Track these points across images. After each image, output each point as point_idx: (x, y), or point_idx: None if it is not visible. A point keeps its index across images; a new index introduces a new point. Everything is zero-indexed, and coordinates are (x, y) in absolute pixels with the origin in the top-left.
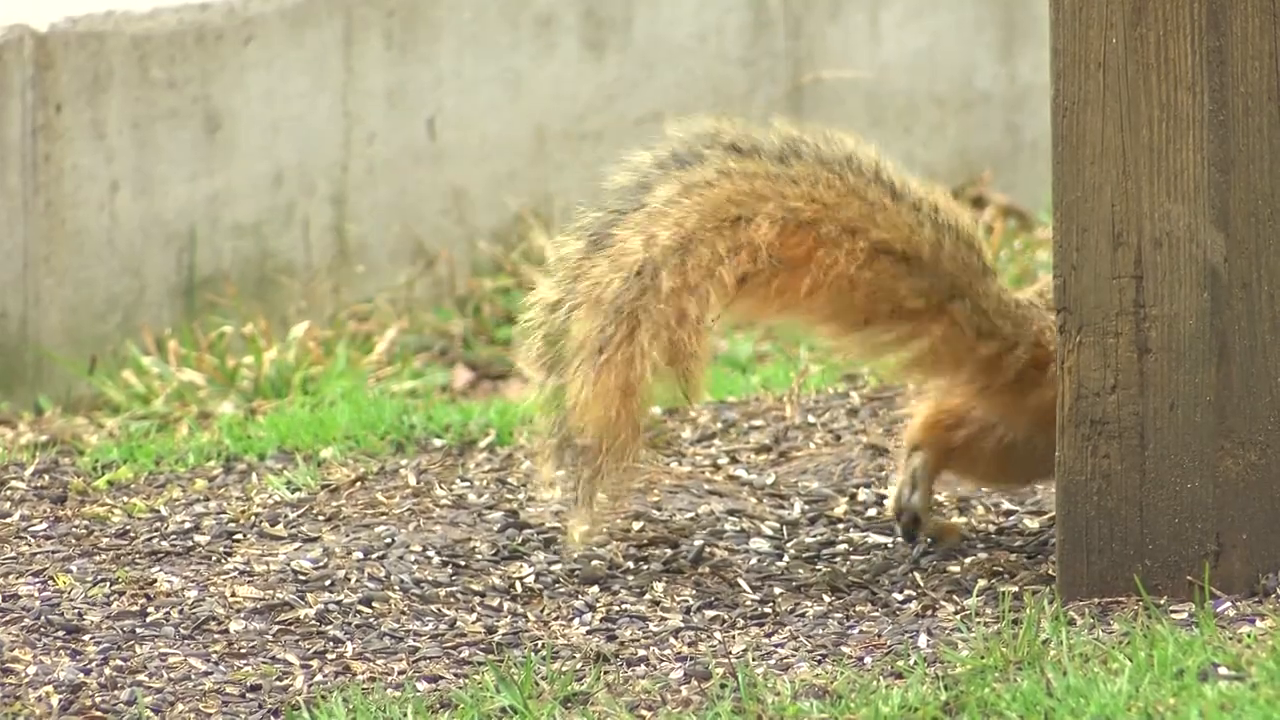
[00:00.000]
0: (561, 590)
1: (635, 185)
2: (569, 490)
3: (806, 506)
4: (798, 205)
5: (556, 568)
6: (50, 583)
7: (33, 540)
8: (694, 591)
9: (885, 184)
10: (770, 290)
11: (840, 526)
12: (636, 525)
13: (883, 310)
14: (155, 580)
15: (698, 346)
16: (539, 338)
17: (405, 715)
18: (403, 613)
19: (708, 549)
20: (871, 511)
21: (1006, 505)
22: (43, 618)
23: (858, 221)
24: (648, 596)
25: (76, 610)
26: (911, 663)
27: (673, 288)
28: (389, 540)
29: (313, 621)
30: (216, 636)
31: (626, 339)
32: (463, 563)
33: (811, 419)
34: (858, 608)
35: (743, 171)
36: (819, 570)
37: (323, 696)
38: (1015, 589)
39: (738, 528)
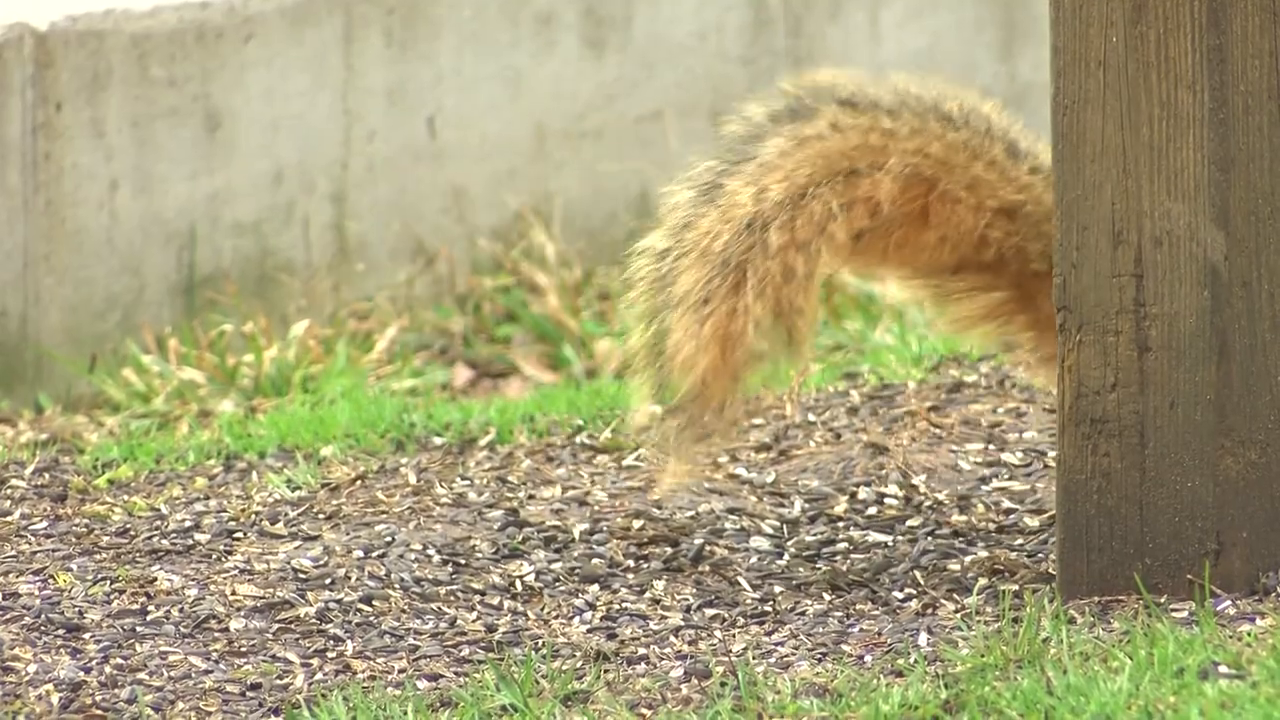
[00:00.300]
0: (562, 589)
1: (747, 136)
2: (662, 438)
3: (807, 505)
4: (916, 160)
5: (557, 566)
6: (50, 581)
7: (33, 539)
8: (694, 590)
9: (1004, 141)
10: (889, 244)
11: (840, 525)
12: (636, 524)
13: (1010, 271)
14: (155, 579)
15: (805, 304)
16: (644, 284)
17: (405, 714)
18: (403, 611)
19: (708, 547)
20: (872, 510)
21: (1007, 504)
22: (43, 616)
23: (979, 179)
24: (648, 595)
25: (77, 609)
26: (912, 661)
27: (781, 243)
28: (389, 539)
29: (313, 620)
30: (217, 635)
31: (731, 291)
32: (463, 561)
33: (812, 417)
34: (858, 606)
35: (857, 126)
36: (819, 569)
37: (323, 695)
38: (1015, 587)
39: (738, 526)
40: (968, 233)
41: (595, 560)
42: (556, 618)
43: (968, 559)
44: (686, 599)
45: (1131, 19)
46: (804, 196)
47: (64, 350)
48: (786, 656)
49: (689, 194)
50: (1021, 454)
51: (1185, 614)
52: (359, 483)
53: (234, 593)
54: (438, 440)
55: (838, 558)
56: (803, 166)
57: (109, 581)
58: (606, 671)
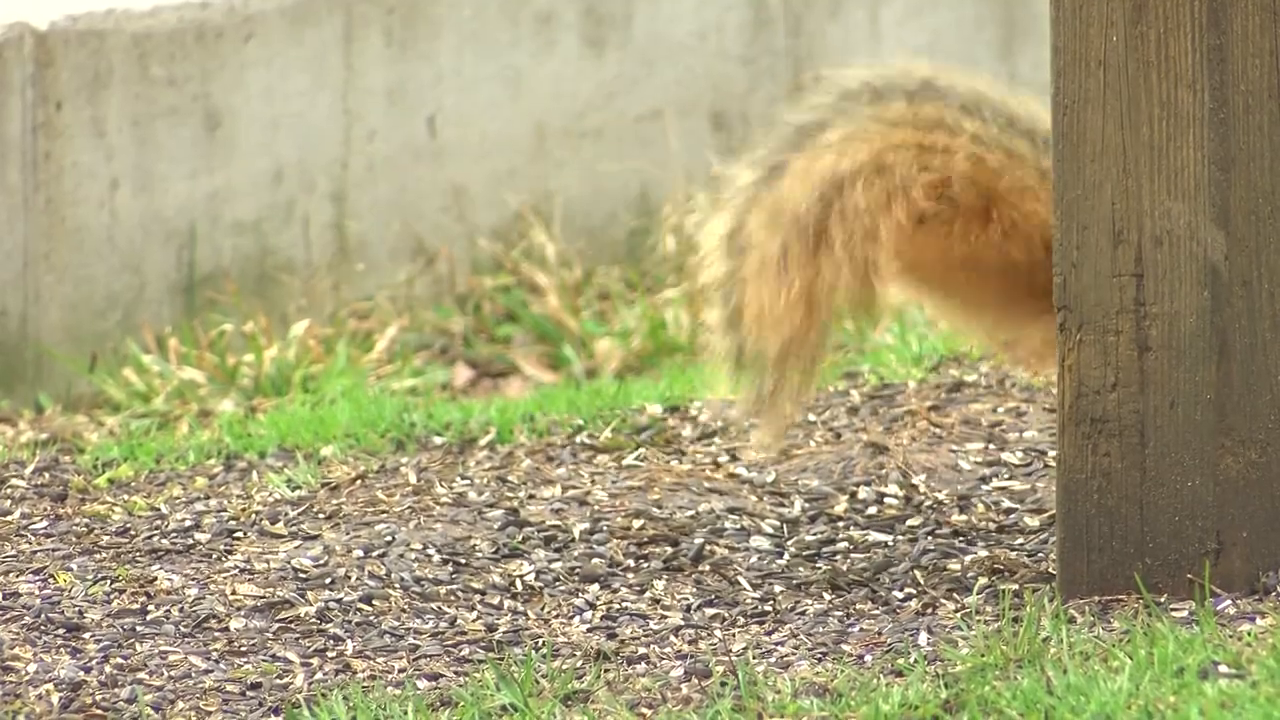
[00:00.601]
0: (562, 588)
1: (814, 123)
2: (749, 403)
3: (807, 504)
4: (981, 152)
5: (557, 566)
6: (50, 581)
7: (33, 538)
8: (694, 589)
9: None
10: (952, 231)
11: (840, 524)
12: (637, 523)
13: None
14: (155, 578)
15: (885, 264)
16: (716, 258)
17: (406, 713)
18: (403, 611)
19: (708, 547)
20: (872, 509)
21: (1007, 503)
22: (43, 616)
23: (1032, 187)
24: (648, 594)
25: (77, 608)
26: (912, 661)
27: (858, 206)
28: (389, 538)
29: (313, 619)
30: (217, 634)
31: (811, 254)
32: (463, 561)
33: (812, 417)
34: (858, 606)
35: (929, 114)
36: (819, 568)
37: (323, 694)
38: (1016, 587)
39: (738, 526)
40: (1040, 225)
41: (595, 560)
42: (556, 617)
43: (968, 558)
44: (686, 598)
45: (1132, 18)
46: (884, 159)
47: (64, 349)
48: (786, 656)
49: (753, 173)
50: (1022, 453)
51: (1185, 613)
52: (359, 482)
53: (234, 592)
54: (438, 440)
55: (838, 557)
56: (876, 138)
57: (109, 581)
58: (606, 671)
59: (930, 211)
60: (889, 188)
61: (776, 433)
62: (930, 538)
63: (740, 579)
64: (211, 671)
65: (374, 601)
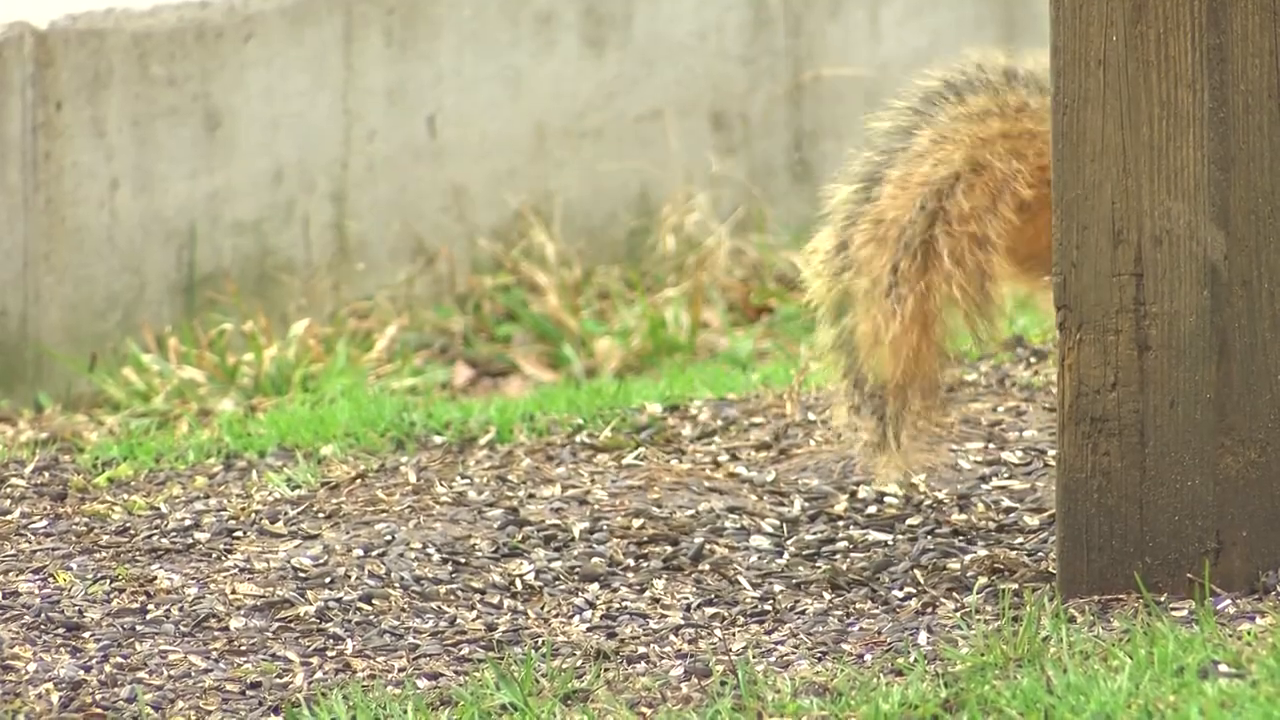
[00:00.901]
0: (561, 587)
1: (900, 130)
2: (873, 432)
3: (806, 504)
4: None
5: (556, 565)
6: (50, 580)
7: (33, 537)
8: (694, 589)
9: None
10: (1040, 223)
11: (840, 524)
12: (636, 522)
13: None
14: (155, 577)
15: (997, 270)
16: (824, 281)
17: (405, 712)
18: (403, 610)
19: (708, 546)
20: (871, 509)
21: (1007, 503)
22: (43, 615)
23: None
24: (648, 594)
25: (76, 607)
26: (911, 660)
27: (962, 212)
28: (389, 537)
29: (313, 619)
30: (216, 634)
31: (920, 271)
32: (463, 560)
33: (812, 416)
34: (858, 605)
35: (1018, 101)
36: (819, 567)
37: (323, 694)
38: (1015, 586)
39: (738, 525)
40: None
41: (595, 559)
42: (556, 616)
43: (968, 558)
44: (686, 598)
45: (1131, 18)
46: (981, 159)
47: (64, 349)
48: (786, 655)
49: (853, 188)
50: (1021, 453)
51: (1185, 613)
52: (359, 482)
53: (234, 591)
54: (438, 439)
55: (838, 556)
56: (970, 137)
57: (109, 580)
58: (606, 670)
59: (1033, 198)
60: (991, 187)
61: (902, 465)
62: (930, 537)
63: (740, 578)
64: (211, 671)
65: (374, 601)
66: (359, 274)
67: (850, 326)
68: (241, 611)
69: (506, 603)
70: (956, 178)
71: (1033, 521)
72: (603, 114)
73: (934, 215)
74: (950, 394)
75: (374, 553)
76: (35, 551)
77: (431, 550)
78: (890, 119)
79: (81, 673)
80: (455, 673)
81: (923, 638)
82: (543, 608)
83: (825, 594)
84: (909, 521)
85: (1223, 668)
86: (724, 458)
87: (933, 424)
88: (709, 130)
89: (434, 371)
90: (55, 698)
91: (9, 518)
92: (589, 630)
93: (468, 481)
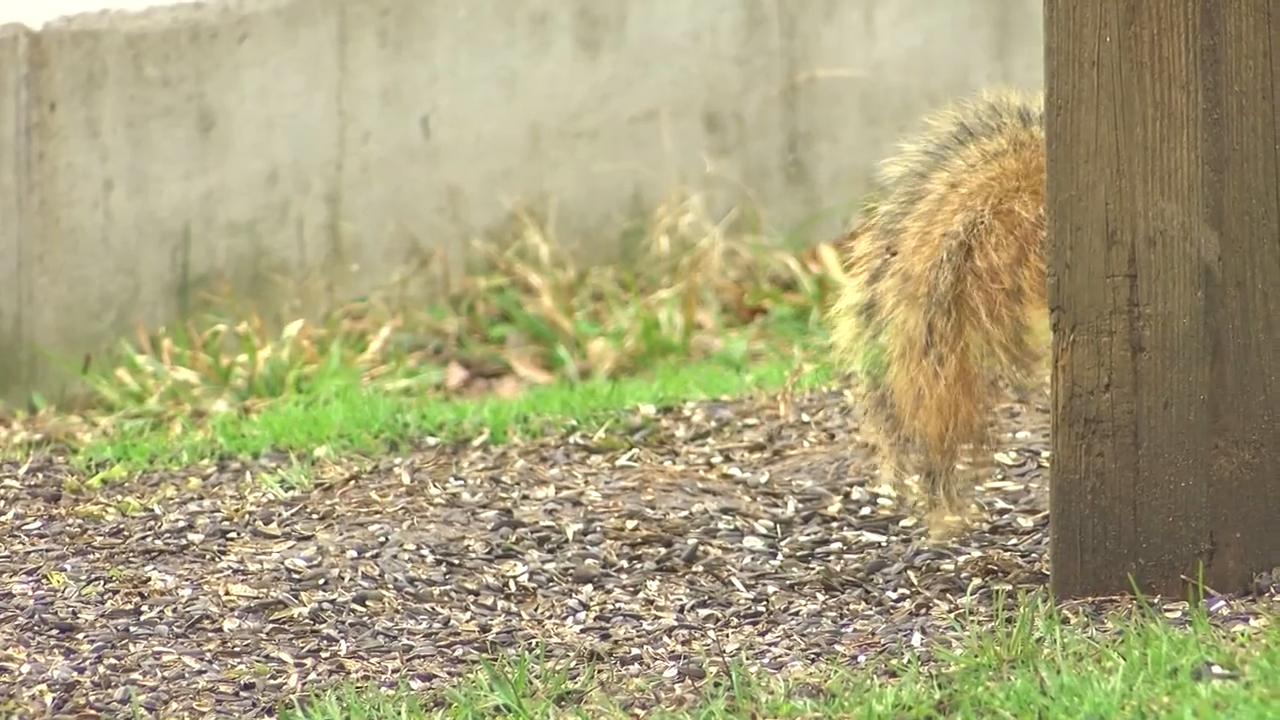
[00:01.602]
0: (555, 589)
1: (912, 173)
2: (923, 491)
3: (800, 505)
4: None
5: (550, 566)
6: (44, 581)
7: (27, 539)
8: (688, 590)
9: None
10: None
11: (834, 525)
12: (630, 524)
13: None
14: (149, 579)
15: (1033, 313)
16: (858, 344)
17: (399, 714)
18: (396, 611)
19: (701, 547)
20: (865, 510)
21: (1000, 504)
22: (36, 616)
23: None
24: (641, 595)
25: (70, 609)
26: (905, 661)
27: (993, 266)
28: (383, 539)
29: (306, 620)
30: (210, 635)
31: (957, 329)
32: (456, 561)
33: (805, 417)
34: (851, 606)
35: (1034, 142)
36: (813, 569)
37: (316, 695)
38: (1009, 587)
39: (732, 526)
40: None
41: (589, 560)
42: (550, 618)
43: (961, 559)
44: (680, 599)
45: (1125, 19)
46: (1003, 209)
47: (58, 350)
48: (780, 657)
49: (874, 243)
50: (1015, 454)
51: (1179, 614)
52: (353, 483)
53: (227, 593)
54: (431, 440)
55: (831, 558)
56: (993, 182)
57: (103, 581)
58: (600, 672)
59: None
60: (1019, 237)
61: (956, 516)
62: (924, 538)
63: (734, 579)
64: (205, 672)
65: (367, 602)
66: (353, 275)
67: (890, 389)
68: (235, 613)
69: (500, 604)
70: (983, 229)
71: (1026, 523)
72: (597, 115)
73: (962, 273)
74: (992, 429)
75: (368, 554)
76: (29, 553)
77: (425, 552)
78: (903, 164)
79: (75, 674)
80: (449, 674)
81: (916, 639)
82: (536, 609)
83: (819, 595)
84: (903, 523)
85: (1216, 669)
86: (718, 459)
87: (980, 470)
88: (703, 131)
89: (428, 373)
90: (49, 699)
91: (3, 519)
92: (583, 631)
93: (461, 483)
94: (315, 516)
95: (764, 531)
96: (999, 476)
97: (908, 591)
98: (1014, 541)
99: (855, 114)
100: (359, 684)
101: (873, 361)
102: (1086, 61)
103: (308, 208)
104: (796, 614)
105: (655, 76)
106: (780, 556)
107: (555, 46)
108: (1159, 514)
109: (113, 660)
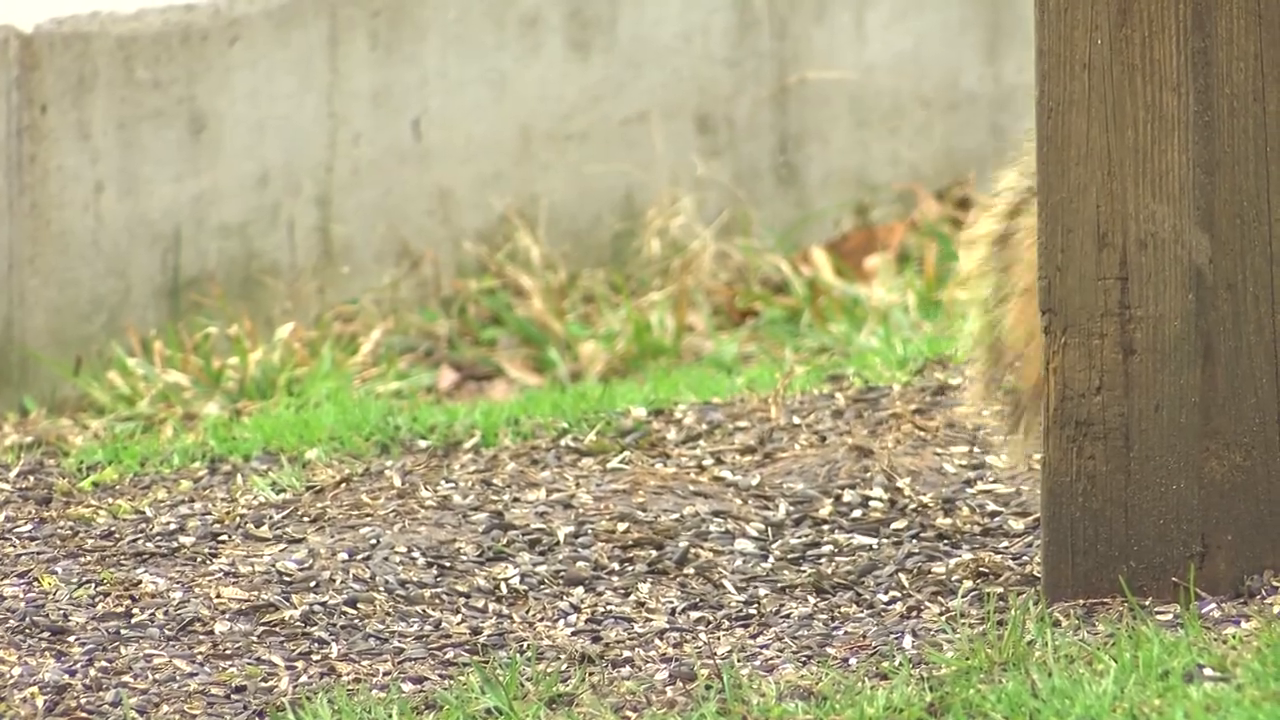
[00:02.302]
0: (546, 591)
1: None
2: (1008, 415)
3: (791, 508)
4: None
5: (541, 569)
6: (35, 584)
7: (17, 541)
8: (679, 593)
9: None
10: None
11: (825, 528)
12: (621, 526)
13: None
14: (140, 581)
15: None
16: (985, 272)
17: (390, 716)
18: (388, 614)
19: (693, 550)
20: (856, 513)
21: (992, 506)
22: (27, 619)
23: None
24: (633, 598)
25: (61, 611)
26: (896, 664)
27: None
28: (374, 541)
29: (298, 623)
30: (201, 638)
31: None
32: (448, 564)
33: (796, 420)
34: (843, 609)
35: None
36: (804, 571)
37: (308, 698)
38: (1000, 590)
39: (723, 529)
40: None
41: (580, 563)
42: (541, 620)
43: (952, 562)
44: (671, 602)
45: (1116, 22)
46: None
47: (49, 352)
48: (771, 659)
49: (1020, 177)
50: (1006, 456)
51: (1170, 617)
52: (344, 486)
53: (219, 595)
54: (422, 443)
55: (822, 560)
56: None
57: (93, 584)
58: (591, 674)
59: None
60: None
61: (1022, 451)
62: (915, 541)
63: (725, 582)
64: (196, 675)
65: (359, 605)
66: (344, 277)
67: (1001, 318)
68: (226, 615)
69: (491, 607)
70: None
71: (1018, 525)
72: (588, 117)
73: None
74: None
75: (359, 557)
76: (20, 555)
77: (416, 554)
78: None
79: (66, 677)
80: (440, 677)
81: (908, 641)
82: (527, 611)
83: (810, 598)
84: (894, 525)
85: (1208, 671)
86: (709, 461)
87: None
88: (694, 133)
89: (419, 375)
90: (40, 701)
91: None
92: (574, 634)
93: (452, 485)
94: (306, 519)
95: (755, 534)
96: (990, 479)
97: (899, 594)
98: (1005, 544)
99: (846, 116)
100: (350, 686)
101: (994, 289)
102: (1078, 64)
103: (299, 210)
104: (788, 616)
105: (646, 78)
106: (771, 559)
107: (546, 48)
108: (1150, 516)
109: (104, 663)
